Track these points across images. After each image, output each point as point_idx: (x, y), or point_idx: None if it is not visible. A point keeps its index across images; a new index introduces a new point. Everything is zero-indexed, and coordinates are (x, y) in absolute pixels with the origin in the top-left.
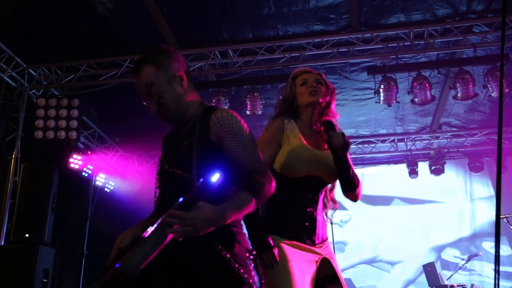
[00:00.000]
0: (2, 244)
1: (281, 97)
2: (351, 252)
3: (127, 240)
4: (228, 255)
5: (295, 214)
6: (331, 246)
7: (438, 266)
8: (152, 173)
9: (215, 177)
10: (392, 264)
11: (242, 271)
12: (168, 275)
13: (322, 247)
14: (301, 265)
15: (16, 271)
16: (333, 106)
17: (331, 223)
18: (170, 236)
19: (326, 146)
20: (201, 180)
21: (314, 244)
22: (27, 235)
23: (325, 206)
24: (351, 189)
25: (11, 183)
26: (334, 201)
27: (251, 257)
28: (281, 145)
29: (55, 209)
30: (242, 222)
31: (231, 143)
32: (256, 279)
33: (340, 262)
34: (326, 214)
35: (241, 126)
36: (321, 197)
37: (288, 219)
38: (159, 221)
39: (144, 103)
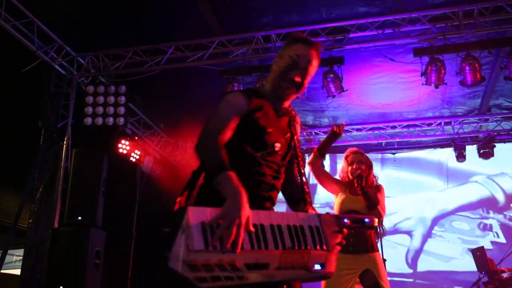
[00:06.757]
0: (56, 226)
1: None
2: None
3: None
4: None
5: None
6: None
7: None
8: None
9: None
10: None
11: None
12: None
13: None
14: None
15: (69, 253)
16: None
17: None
18: None
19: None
20: None
21: (358, 253)
22: (79, 218)
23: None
24: (370, 208)
25: (63, 169)
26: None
27: None
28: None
29: (105, 193)
30: None
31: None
32: None
33: None
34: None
35: None
36: None
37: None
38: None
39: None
